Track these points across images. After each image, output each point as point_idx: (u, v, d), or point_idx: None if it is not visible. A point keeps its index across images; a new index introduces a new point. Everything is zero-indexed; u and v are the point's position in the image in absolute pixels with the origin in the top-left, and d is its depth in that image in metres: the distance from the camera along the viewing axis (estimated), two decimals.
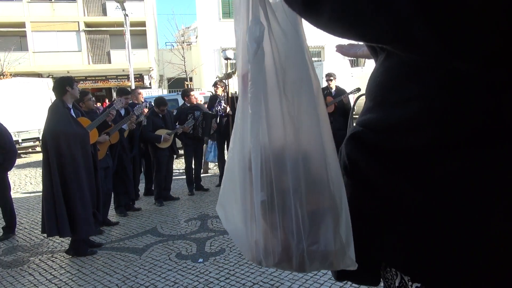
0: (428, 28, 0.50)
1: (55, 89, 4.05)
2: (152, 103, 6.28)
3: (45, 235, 4.68)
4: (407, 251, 0.65)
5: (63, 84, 4.00)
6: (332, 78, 6.92)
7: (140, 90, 6.87)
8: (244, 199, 0.66)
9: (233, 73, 7.12)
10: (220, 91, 6.64)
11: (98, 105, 6.51)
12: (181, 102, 9.86)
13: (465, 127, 0.58)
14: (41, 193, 3.99)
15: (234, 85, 7.74)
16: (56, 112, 3.94)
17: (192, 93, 6.47)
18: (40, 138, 3.57)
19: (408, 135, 0.64)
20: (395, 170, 0.66)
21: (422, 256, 0.63)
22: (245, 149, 0.64)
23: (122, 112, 5.33)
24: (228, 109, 6.41)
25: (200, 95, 9.12)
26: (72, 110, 4.08)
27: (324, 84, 7.38)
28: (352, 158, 0.71)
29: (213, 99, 6.78)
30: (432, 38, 0.51)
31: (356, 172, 0.70)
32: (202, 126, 6.13)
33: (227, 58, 7.16)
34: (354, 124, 0.74)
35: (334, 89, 6.92)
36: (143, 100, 6.19)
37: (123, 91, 5.65)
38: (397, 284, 0.72)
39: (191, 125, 6.02)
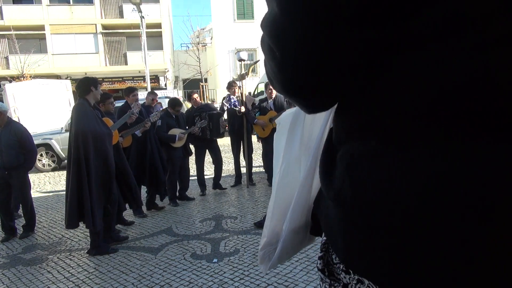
0: None
1: (79, 87, 4.09)
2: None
3: (62, 233, 4.80)
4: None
5: (88, 83, 4.07)
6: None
7: (156, 92, 6.89)
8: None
9: (246, 74, 7.09)
10: (237, 92, 6.66)
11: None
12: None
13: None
14: (59, 193, 4.08)
15: (247, 86, 7.72)
16: (85, 112, 3.98)
17: (195, 95, 6.45)
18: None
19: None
20: None
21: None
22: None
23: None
24: (243, 109, 6.40)
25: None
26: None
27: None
28: None
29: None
30: None
31: None
32: (209, 127, 6.16)
33: (241, 60, 7.09)
34: None
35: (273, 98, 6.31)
36: (156, 103, 6.24)
37: (130, 90, 5.65)
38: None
39: (203, 125, 6.04)
